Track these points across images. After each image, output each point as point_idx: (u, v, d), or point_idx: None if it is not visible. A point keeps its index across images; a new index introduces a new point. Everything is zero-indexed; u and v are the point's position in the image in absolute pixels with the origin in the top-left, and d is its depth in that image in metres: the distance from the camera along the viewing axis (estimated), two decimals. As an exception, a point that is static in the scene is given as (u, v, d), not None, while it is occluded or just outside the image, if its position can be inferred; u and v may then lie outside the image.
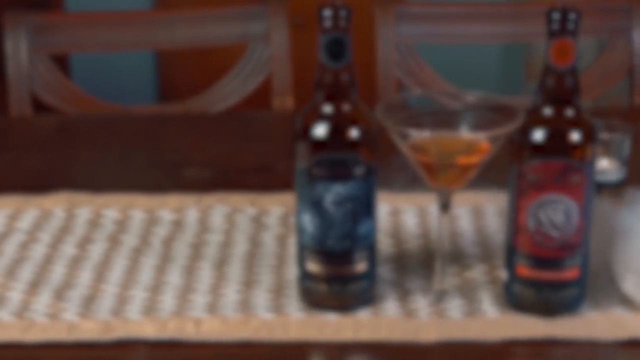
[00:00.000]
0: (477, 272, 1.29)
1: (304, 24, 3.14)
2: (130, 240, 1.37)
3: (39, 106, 1.87)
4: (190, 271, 1.30)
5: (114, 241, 1.37)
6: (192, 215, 1.43)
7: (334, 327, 1.19)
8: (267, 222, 1.41)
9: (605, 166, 1.39)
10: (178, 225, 1.41)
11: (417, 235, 1.38)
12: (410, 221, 1.41)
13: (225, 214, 1.43)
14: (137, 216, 1.43)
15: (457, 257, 1.33)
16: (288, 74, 1.89)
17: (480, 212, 1.43)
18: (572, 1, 2.00)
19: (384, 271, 1.30)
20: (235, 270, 1.30)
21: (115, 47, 1.92)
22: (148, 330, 1.18)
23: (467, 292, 1.25)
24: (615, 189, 1.42)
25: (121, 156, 1.63)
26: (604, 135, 1.39)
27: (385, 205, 1.45)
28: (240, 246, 1.35)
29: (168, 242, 1.36)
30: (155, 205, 1.45)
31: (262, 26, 1.89)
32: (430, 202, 1.43)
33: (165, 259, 1.32)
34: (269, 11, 1.88)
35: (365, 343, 1.17)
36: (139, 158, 1.63)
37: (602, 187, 1.40)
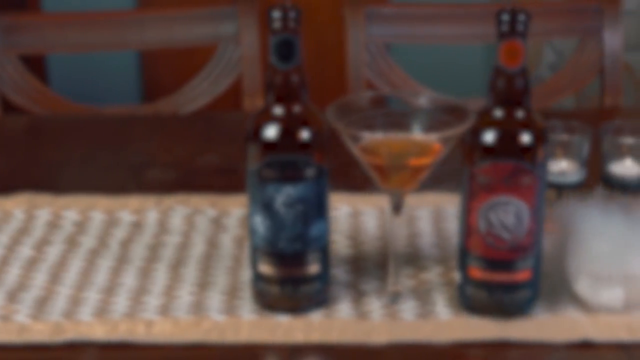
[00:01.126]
0: (432, 274, 1.29)
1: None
2: (88, 241, 1.37)
3: (8, 107, 1.87)
4: (145, 273, 1.30)
5: (71, 243, 1.37)
6: (151, 216, 1.43)
7: (285, 328, 1.19)
8: (227, 224, 1.41)
9: (565, 168, 1.39)
10: (137, 226, 1.40)
11: (376, 237, 1.38)
12: (370, 223, 1.41)
13: (185, 216, 1.43)
14: (97, 217, 1.43)
15: (414, 259, 1.33)
16: (258, 74, 1.88)
17: (441, 214, 1.43)
18: (542, 2, 2.00)
19: (340, 273, 1.29)
20: (190, 272, 1.30)
21: (85, 48, 1.91)
22: (98, 332, 1.18)
23: (422, 294, 1.25)
24: (574, 191, 1.42)
25: (86, 157, 1.63)
26: (563, 137, 1.39)
27: (346, 207, 1.45)
28: (198, 248, 1.35)
29: (126, 244, 1.36)
30: (115, 207, 1.45)
31: (233, 27, 1.89)
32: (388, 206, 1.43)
33: (122, 261, 1.32)
34: (239, 12, 1.88)
35: (316, 345, 1.17)
36: (104, 159, 1.63)
37: (562, 189, 1.40)
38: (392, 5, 1.91)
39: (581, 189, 1.40)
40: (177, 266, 1.31)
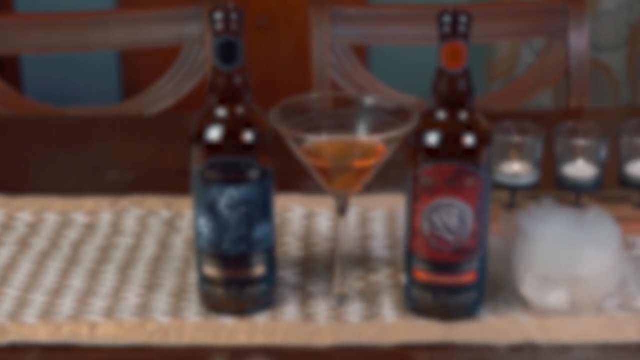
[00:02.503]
0: (381, 276, 1.29)
1: (267, 25, 3.14)
2: (39, 243, 1.36)
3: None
4: (94, 274, 1.29)
5: (23, 244, 1.36)
6: (105, 218, 1.43)
7: (229, 330, 1.18)
8: (180, 225, 1.41)
9: (518, 169, 1.39)
10: (90, 228, 1.40)
11: (328, 238, 1.38)
12: (323, 224, 1.41)
13: (139, 217, 1.43)
14: (51, 219, 1.42)
15: (365, 261, 1.32)
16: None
17: (395, 216, 1.43)
18: (508, 3, 2.00)
19: (288, 274, 1.29)
20: (139, 273, 1.29)
21: (50, 49, 1.91)
22: (41, 334, 1.18)
23: (369, 296, 1.25)
24: (528, 192, 1.41)
25: (46, 158, 1.63)
26: (516, 139, 1.39)
27: (299, 208, 1.44)
28: (148, 249, 1.35)
29: (77, 245, 1.36)
30: (70, 208, 1.45)
31: (197, 28, 1.89)
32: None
33: (72, 262, 1.32)
34: (204, 13, 1.88)
35: (260, 347, 1.17)
36: (64, 160, 1.62)
37: (515, 190, 1.40)
38: (357, 6, 1.91)
39: (534, 190, 1.40)
40: (126, 268, 1.31)
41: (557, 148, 1.39)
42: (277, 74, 3.21)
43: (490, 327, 1.19)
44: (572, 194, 1.40)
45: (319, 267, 1.31)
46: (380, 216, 1.43)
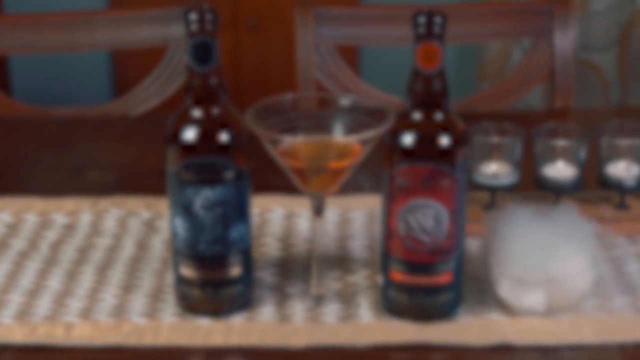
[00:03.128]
0: (359, 277, 1.29)
1: (258, 25, 3.14)
2: (18, 244, 1.36)
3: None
4: (71, 275, 1.29)
5: (2, 245, 1.36)
6: (85, 218, 1.42)
7: (205, 331, 1.18)
8: (160, 226, 1.41)
9: (498, 170, 1.39)
10: (69, 229, 1.40)
11: (308, 239, 1.37)
12: (303, 225, 1.41)
13: (119, 218, 1.43)
14: (31, 220, 1.42)
15: (343, 262, 1.32)
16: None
17: (375, 217, 1.42)
18: (493, 3, 2.00)
19: (267, 275, 1.29)
20: (116, 274, 1.29)
21: (34, 50, 1.91)
22: (17, 335, 1.17)
23: (347, 297, 1.25)
24: (508, 193, 1.41)
25: (27, 159, 1.63)
26: (495, 139, 1.39)
27: (280, 209, 1.44)
28: (127, 250, 1.35)
29: (56, 246, 1.36)
30: (50, 209, 1.45)
31: (182, 29, 1.88)
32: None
33: (50, 263, 1.32)
34: (188, 13, 1.87)
35: (235, 348, 1.17)
36: (46, 161, 1.62)
37: (495, 191, 1.39)
38: (342, 7, 1.91)
39: (514, 191, 1.40)
40: (104, 269, 1.31)
41: (537, 149, 1.39)
42: (267, 74, 3.21)
43: (466, 328, 1.19)
44: (552, 195, 1.40)
45: (297, 268, 1.31)
46: (360, 217, 1.43)
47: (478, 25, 1.92)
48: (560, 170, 1.38)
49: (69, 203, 1.46)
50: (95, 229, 1.40)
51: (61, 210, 1.44)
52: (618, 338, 1.17)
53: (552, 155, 1.38)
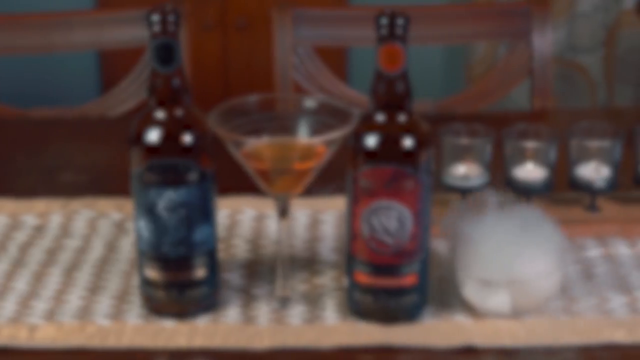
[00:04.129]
0: (326, 279, 1.28)
1: (246, 26, 3.14)
2: (-13, 245, 1.36)
3: None
4: (39, 277, 1.29)
5: (-29, 246, 1.36)
6: (55, 220, 1.42)
7: (169, 333, 1.18)
8: (130, 228, 1.40)
9: (468, 171, 1.38)
10: (39, 230, 1.40)
11: (277, 241, 1.37)
12: (273, 226, 1.40)
13: (89, 219, 1.42)
14: (1, 221, 1.42)
15: (311, 263, 1.32)
16: (189, 77, 1.87)
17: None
18: (471, 4, 1.99)
19: (234, 277, 1.29)
20: (84, 276, 1.29)
21: (11, 50, 1.90)
22: (-20, 337, 1.17)
23: (313, 299, 1.24)
24: (478, 194, 1.41)
25: (1, 160, 1.62)
26: (465, 141, 1.38)
27: (251, 211, 1.44)
28: (96, 251, 1.35)
29: (25, 248, 1.36)
30: (21, 210, 1.44)
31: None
32: (295, 208, 1.42)
33: (18, 265, 1.32)
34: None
35: (199, 350, 1.16)
36: (20, 162, 1.62)
37: (465, 193, 1.39)
38: (320, 8, 1.91)
39: (485, 192, 1.40)
40: (71, 270, 1.30)
41: (507, 150, 1.38)
42: (256, 75, 3.20)
43: (431, 330, 1.18)
44: (522, 196, 1.39)
45: (265, 270, 1.30)
46: (331, 218, 1.42)
47: (456, 27, 1.92)
48: (530, 171, 1.38)
49: (40, 204, 1.46)
50: (65, 231, 1.40)
51: (32, 212, 1.44)
52: (583, 340, 1.17)
53: (522, 156, 1.38)
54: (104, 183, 1.55)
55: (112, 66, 3.26)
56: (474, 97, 1.92)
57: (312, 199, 1.43)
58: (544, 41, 1.88)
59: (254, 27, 3.16)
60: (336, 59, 3.01)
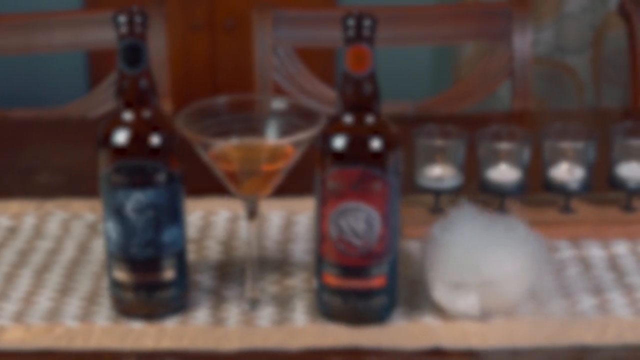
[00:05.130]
0: (297, 280, 1.28)
1: (235, 26, 3.13)
2: (-41, 246, 1.36)
3: None
4: (9, 278, 1.29)
5: (-57, 248, 1.36)
6: (29, 221, 1.42)
7: (137, 335, 1.18)
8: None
9: (441, 173, 1.38)
10: (12, 231, 1.40)
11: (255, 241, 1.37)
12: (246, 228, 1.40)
13: (62, 220, 1.42)
14: (-26, 222, 1.42)
15: (282, 265, 1.32)
16: (166, 78, 1.87)
17: (320, 219, 1.42)
18: (452, 5, 1.99)
19: (205, 279, 1.29)
20: (54, 277, 1.29)
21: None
22: (-52, 338, 1.17)
23: (283, 300, 1.24)
24: (452, 196, 1.41)
25: (-22, 161, 1.62)
26: (438, 142, 1.38)
27: (225, 212, 1.44)
28: (68, 253, 1.34)
29: (-3, 249, 1.36)
30: (-6, 211, 1.44)
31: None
32: (269, 209, 1.42)
33: (-11, 266, 1.32)
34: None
35: (167, 351, 1.16)
36: (-4, 163, 1.62)
37: (439, 194, 1.39)
38: (300, 9, 1.90)
39: (459, 194, 1.40)
40: (42, 272, 1.30)
41: (481, 152, 1.38)
42: (244, 76, 3.20)
43: (399, 332, 1.18)
44: (496, 198, 1.39)
45: (236, 272, 1.30)
46: (304, 220, 1.42)
47: (437, 27, 1.91)
48: (504, 173, 1.38)
49: (14, 205, 1.46)
50: (38, 232, 1.40)
51: (5, 213, 1.44)
52: (551, 342, 1.17)
53: (495, 158, 1.38)
54: (80, 184, 1.55)
55: (100, 66, 3.25)
56: (455, 98, 1.92)
57: (286, 200, 1.43)
58: (525, 42, 1.88)
59: (242, 27, 3.16)
60: (324, 60, 3.01)
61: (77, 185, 1.55)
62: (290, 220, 1.42)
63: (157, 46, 1.88)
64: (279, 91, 1.88)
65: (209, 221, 1.42)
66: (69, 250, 1.35)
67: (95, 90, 1.92)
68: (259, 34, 1.87)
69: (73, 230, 1.40)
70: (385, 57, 3.26)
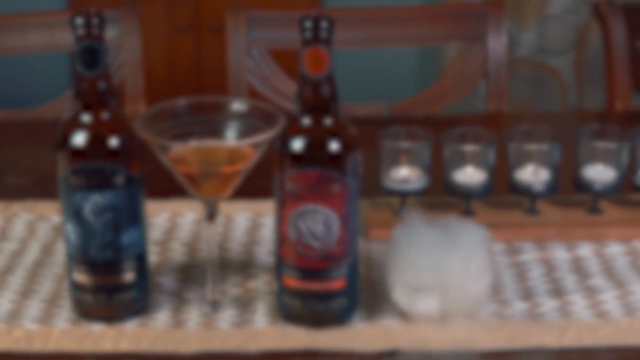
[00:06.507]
0: (259, 282, 1.28)
1: (219, 27, 3.13)
2: None
3: None
4: (-29, 280, 1.29)
5: None
6: (-6, 223, 1.42)
7: (96, 337, 1.18)
8: (68, 231, 1.40)
9: (407, 175, 1.38)
10: (-23, 233, 1.40)
11: (216, 244, 1.36)
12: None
13: (28, 222, 1.42)
14: (-60, 224, 1.42)
15: (246, 267, 1.32)
16: (140, 79, 1.87)
17: (287, 221, 1.42)
18: (427, 7, 1.99)
19: (167, 281, 1.28)
20: (17, 279, 1.29)
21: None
22: None
23: (244, 303, 1.24)
24: (418, 197, 1.41)
25: (-54, 163, 1.62)
26: (404, 144, 1.38)
27: (191, 214, 1.43)
28: (32, 255, 1.34)
29: (-39, 251, 1.35)
30: (-39, 213, 1.44)
31: (114, 32, 1.88)
32: (235, 211, 1.42)
33: (-48, 268, 1.31)
34: (120, 17, 1.87)
35: (126, 354, 1.16)
36: (-35, 165, 1.62)
37: (405, 196, 1.39)
38: (274, 10, 1.90)
39: (424, 196, 1.40)
40: (5, 274, 1.30)
41: (446, 153, 1.38)
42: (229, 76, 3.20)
43: (358, 334, 1.18)
44: (462, 200, 1.39)
45: (199, 274, 1.30)
46: (271, 222, 1.42)
47: (413, 29, 1.91)
48: (469, 175, 1.38)
49: (-19, 207, 1.46)
50: (3, 234, 1.39)
51: (-28, 215, 1.44)
52: (511, 344, 1.17)
53: (461, 160, 1.38)
54: (47, 186, 1.54)
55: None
56: (430, 100, 1.92)
57: (253, 202, 1.43)
58: (499, 43, 1.88)
59: (227, 29, 3.16)
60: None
61: (45, 187, 1.54)
62: (257, 223, 1.42)
63: (132, 48, 1.88)
64: (253, 93, 1.87)
65: (175, 223, 1.42)
66: (33, 252, 1.35)
67: (67, 93, 1.92)
68: (233, 35, 1.87)
69: (39, 232, 1.40)
70: (370, 59, 3.28)
